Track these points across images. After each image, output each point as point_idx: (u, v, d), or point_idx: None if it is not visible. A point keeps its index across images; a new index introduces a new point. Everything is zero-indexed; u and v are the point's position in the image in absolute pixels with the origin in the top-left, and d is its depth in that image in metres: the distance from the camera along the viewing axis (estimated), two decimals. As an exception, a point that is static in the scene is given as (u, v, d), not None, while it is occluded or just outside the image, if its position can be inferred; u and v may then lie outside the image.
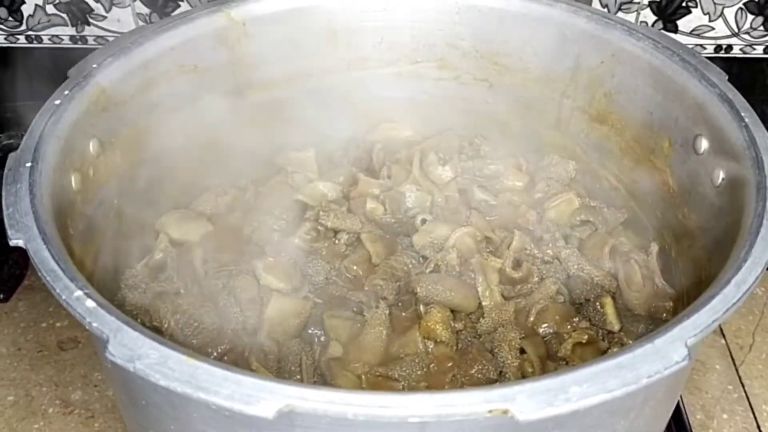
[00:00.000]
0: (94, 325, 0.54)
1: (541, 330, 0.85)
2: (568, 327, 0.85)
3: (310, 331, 0.84)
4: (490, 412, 0.48)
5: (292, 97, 1.04)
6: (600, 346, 0.83)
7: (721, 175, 0.77)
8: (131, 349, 0.52)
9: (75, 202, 0.75)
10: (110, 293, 0.83)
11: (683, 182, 0.85)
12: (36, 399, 0.97)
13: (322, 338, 0.84)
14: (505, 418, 0.48)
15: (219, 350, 0.80)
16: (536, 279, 0.89)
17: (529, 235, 0.95)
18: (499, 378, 0.80)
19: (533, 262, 0.91)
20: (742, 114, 0.76)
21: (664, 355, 0.52)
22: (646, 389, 0.52)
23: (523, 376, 0.79)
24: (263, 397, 0.49)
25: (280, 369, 0.79)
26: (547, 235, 0.94)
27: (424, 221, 0.96)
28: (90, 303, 0.56)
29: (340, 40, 1.01)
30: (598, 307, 0.86)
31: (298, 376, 0.78)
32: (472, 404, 0.48)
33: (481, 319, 0.85)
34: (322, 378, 0.79)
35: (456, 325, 0.84)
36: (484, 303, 0.86)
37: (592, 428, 0.58)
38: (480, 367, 0.79)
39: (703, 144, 0.81)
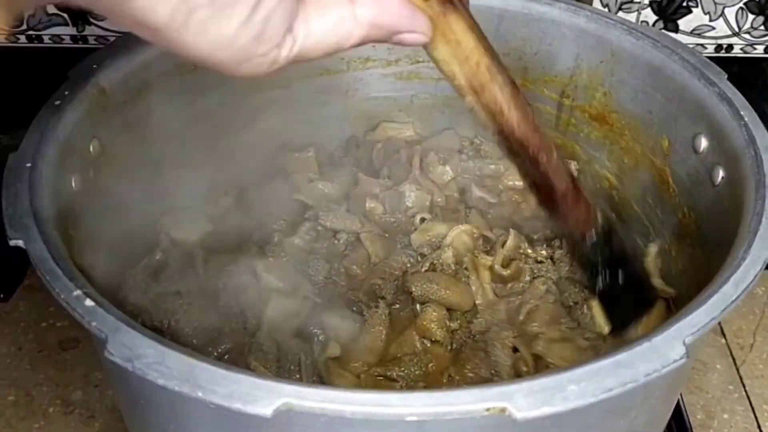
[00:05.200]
0: (93, 324, 0.54)
1: (530, 329, 0.84)
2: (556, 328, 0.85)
3: (309, 331, 0.84)
4: (487, 410, 0.48)
5: (292, 97, 1.03)
6: (579, 343, 0.82)
7: (721, 173, 0.77)
8: (130, 348, 0.52)
9: (75, 202, 0.75)
10: (111, 294, 0.83)
11: (683, 181, 0.85)
12: (36, 399, 0.97)
13: (322, 338, 0.84)
14: (502, 416, 0.48)
15: (219, 350, 0.80)
16: (527, 278, 0.89)
17: (525, 234, 0.95)
18: (492, 377, 0.80)
19: (526, 261, 0.91)
20: (742, 113, 0.75)
21: (662, 353, 0.52)
22: (644, 388, 0.52)
23: (517, 374, 0.79)
24: (261, 395, 0.49)
25: (279, 368, 0.79)
26: (543, 234, 0.94)
27: (423, 220, 0.96)
28: (89, 302, 0.56)
29: (340, 40, 1.01)
30: (585, 309, 0.86)
31: (298, 376, 0.78)
32: (470, 403, 0.48)
33: (475, 318, 0.85)
34: (321, 377, 0.79)
35: (452, 325, 0.84)
36: (477, 301, 0.87)
37: (591, 427, 0.58)
38: (472, 366, 0.79)
39: (703, 143, 0.81)
